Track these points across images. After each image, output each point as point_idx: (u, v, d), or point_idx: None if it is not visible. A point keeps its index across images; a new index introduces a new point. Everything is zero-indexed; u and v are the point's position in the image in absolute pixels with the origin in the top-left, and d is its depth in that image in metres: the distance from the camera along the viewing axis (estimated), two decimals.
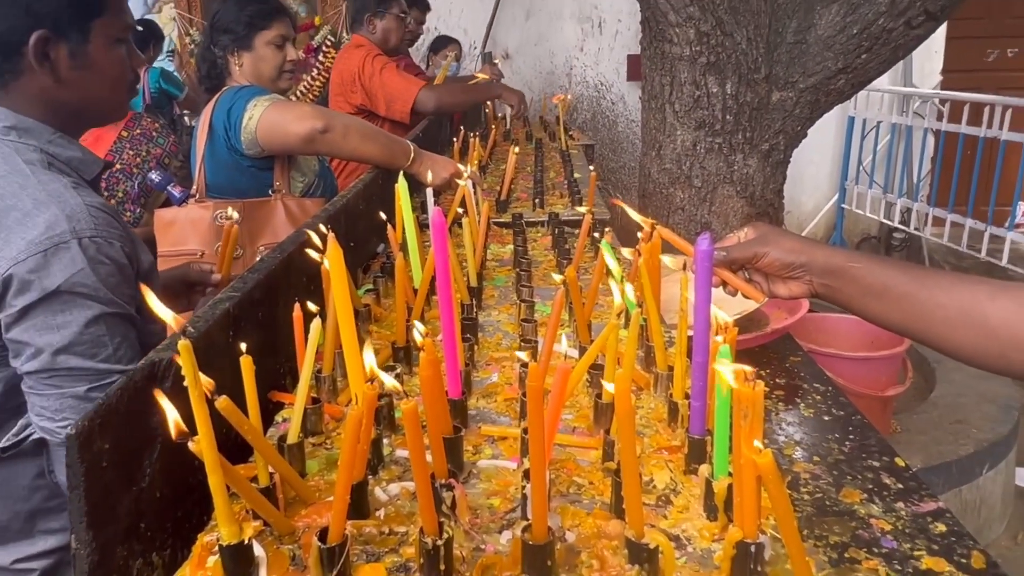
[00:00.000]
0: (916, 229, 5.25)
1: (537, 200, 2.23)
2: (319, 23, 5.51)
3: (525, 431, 0.87)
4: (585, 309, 1.20)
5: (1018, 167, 4.39)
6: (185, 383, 0.65)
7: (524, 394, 0.97)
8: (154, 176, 2.63)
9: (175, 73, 4.59)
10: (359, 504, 0.79)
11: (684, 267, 1.09)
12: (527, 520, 0.72)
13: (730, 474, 0.77)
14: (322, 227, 1.15)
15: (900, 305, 0.95)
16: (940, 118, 4.96)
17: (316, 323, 0.88)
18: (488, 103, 4.01)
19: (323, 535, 0.68)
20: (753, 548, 0.69)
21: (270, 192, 2.18)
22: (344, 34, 5.30)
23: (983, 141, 4.56)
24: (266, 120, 2.06)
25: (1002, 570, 0.87)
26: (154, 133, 3.17)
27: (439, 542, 0.69)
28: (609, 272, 1.09)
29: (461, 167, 2.12)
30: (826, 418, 1.31)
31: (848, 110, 5.40)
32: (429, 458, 0.78)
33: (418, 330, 0.82)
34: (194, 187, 2.24)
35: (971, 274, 0.97)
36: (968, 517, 2.73)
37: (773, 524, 0.76)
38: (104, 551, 0.70)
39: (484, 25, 5.76)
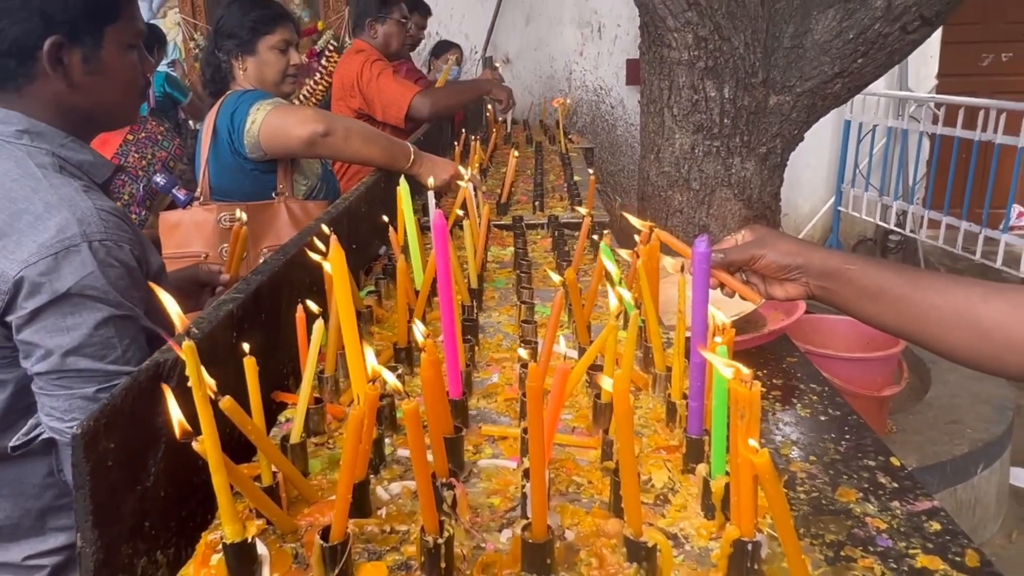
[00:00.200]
0: (912, 232, 5.25)
1: (537, 203, 2.23)
2: (322, 28, 5.52)
3: (525, 431, 0.87)
4: (584, 310, 1.20)
5: (1012, 170, 4.39)
6: (189, 383, 0.65)
7: (524, 394, 0.97)
8: (159, 179, 2.63)
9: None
10: (361, 503, 0.79)
11: (682, 269, 1.09)
12: (527, 519, 0.72)
13: (727, 473, 0.77)
14: (325, 229, 1.16)
15: (895, 307, 0.95)
16: (935, 122, 4.96)
17: (319, 324, 0.88)
18: (489, 108, 4.01)
19: (325, 534, 0.68)
20: (750, 546, 0.69)
21: (273, 195, 2.18)
22: (347, 38, 5.30)
23: (978, 145, 4.56)
24: (268, 124, 2.06)
25: (996, 568, 0.87)
26: (159, 136, 3.18)
27: (440, 540, 0.69)
28: (608, 278, 1.10)
29: (461, 168, 2.13)
30: (822, 418, 1.31)
31: (844, 114, 5.40)
32: (430, 457, 0.78)
33: (419, 331, 0.82)
34: (198, 190, 2.24)
35: (966, 276, 0.97)
36: (963, 516, 2.73)
37: (770, 523, 0.76)
38: (109, 549, 0.70)
39: (485, 30, 5.77)
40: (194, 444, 0.66)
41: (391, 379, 0.73)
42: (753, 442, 0.63)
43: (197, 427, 0.65)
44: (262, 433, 0.77)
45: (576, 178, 2.58)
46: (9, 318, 1.09)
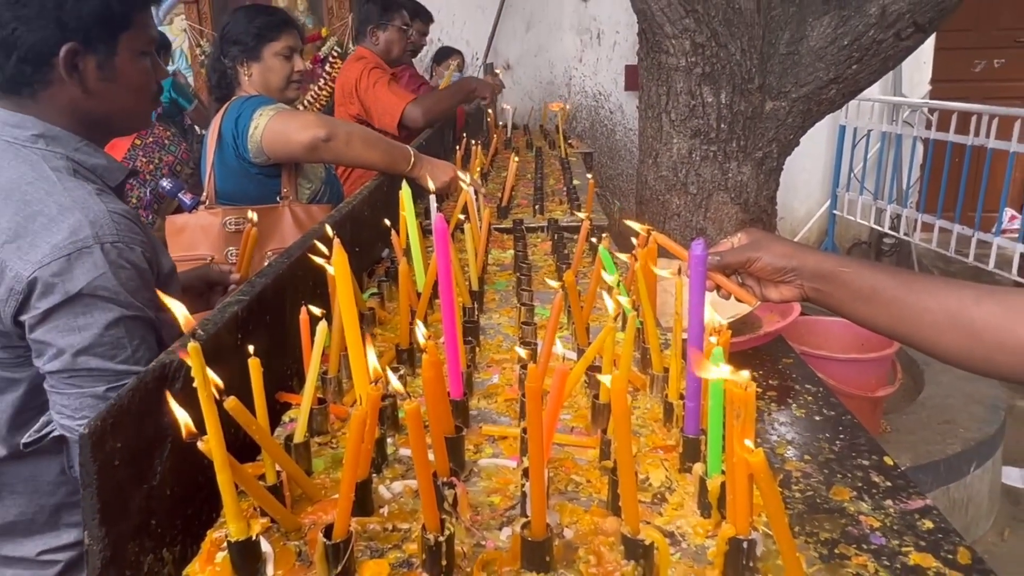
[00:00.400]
0: (906, 235, 5.25)
1: (537, 206, 2.23)
2: (326, 34, 5.52)
3: (525, 431, 0.87)
4: (583, 312, 1.20)
5: (1004, 174, 4.39)
6: (195, 384, 0.65)
7: (524, 395, 0.97)
8: (165, 183, 2.64)
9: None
10: (363, 501, 0.79)
11: (679, 272, 1.09)
12: (526, 517, 0.72)
13: (723, 472, 0.77)
14: (328, 232, 1.16)
15: (888, 309, 0.95)
16: (929, 127, 4.96)
17: (322, 326, 0.89)
18: (490, 112, 4.02)
19: (328, 531, 0.68)
20: (745, 544, 0.69)
21: (278, 199, 2.19)
22: (350, 45, 5.30)
23: (970, 149, 4.56)
24: (271, 129, 2.07)
25: (987, 565, 0.87)
26: (166, 141, 3.18)
27: (441, 538, 0.69)
28: (606, 287, 1.10)
29: (460, 172, 2.13)
30: (817, 418, 1.31)
31: (839, 119, 5.40)
32: (431, 457, 0.78)
33: (421, 332, 0.83)
34: (204, 194, 2.25)
35: (958, 278, 0.96)
36: (956, 514, 2.73)
37: (765, 521, 0.76)
38: (116, 547, 0.70)
39: (486, 36, 5.77)
40: (199, 444, 0.66)
41: (394, 381, 0.74)
42: (748, 442, 0.64)
43: (203, 427, 0.65)
44: (266, 433, 0.77)
45: (575, 182, 2.59)
46: (23, 317, 1.10)
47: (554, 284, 1.09)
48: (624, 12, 5.43)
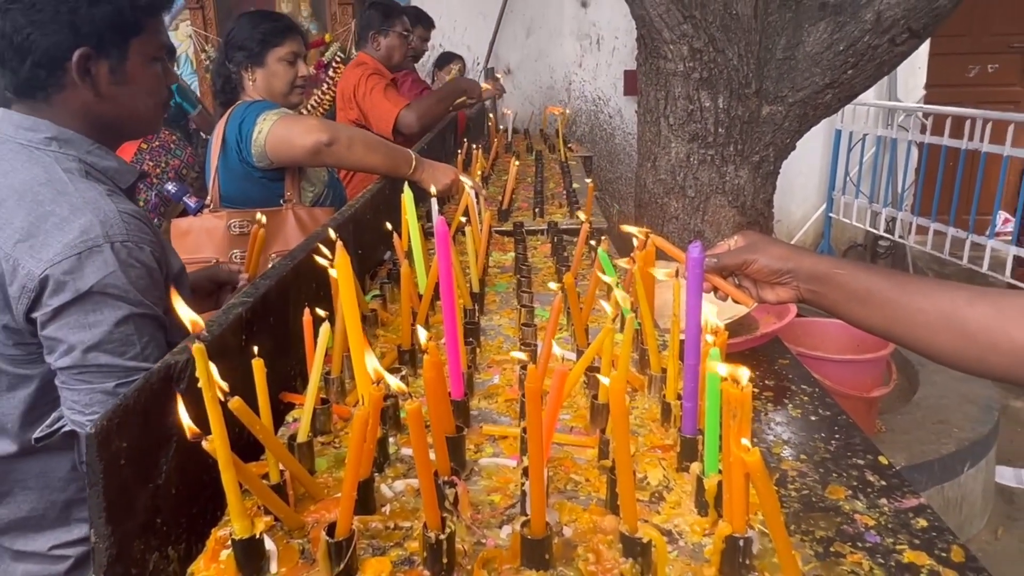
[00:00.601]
0: (901, 237, 5.25)
1: (537, 209, 2.24)
2: (329, 40, 5.52)
3: (524, 430, 0.87)
4: (582, 314, 1.20)
5: (998, 178, 4.39)
6: (200, 384, 0.65)
7: (524, 395, 0.97)
8: (170, 187, 2.63)
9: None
10: (365, 500, 0.79)
11: (676, 274, 1.09)
12: (526, 515, 0.72)
13: (720, 471, 0.77)
14: (331, 235, 1.16)
15: (883, 310, 0.95)
16: (923, 131, 4.96)
17: (325, 327, 0.89)
18: (491, 117, 4.02)
19: (331, 530, 0.68)
20: (742, 542, 0.69)
21: (281, 202, 2.19)
22: (353, 50, 5.31)
23: (964, 153, 4.56)
24: (274, 134, 2.07)
25: (980, 563, 0.87)
26: (172, 145, 3.18)
27: (442, 536, 0.69)
28: (607, 286, 1.10)
29: (462, 175, 2.13)
30: (813, 418, 1.31)
31: (835, 123, 5.40)
32: (432, 456, 0.78)
33: (422, 334, 0.83)
34: (208, 197, 2.25)
35: (952, 280, 0.96)
36: (950, 513, 2.72)
37: (761, 519, 0.76)
38: (122, 545, 0.70)
39: (487, 42, 5.77)
40: (204, 443, 0.66)
41: (393, 383, 0.74)
42: (745, 441, 0.64)
43: (207, 427, 0.65)
44: (270, 433, 0.77)
45: (575, 185, 2.59)
46: (35, 314, 1.11)
47: (554, 286, 1.09)
48: (623, 18, 5.44)
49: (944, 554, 0.88)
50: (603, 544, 0.74)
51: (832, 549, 0.88)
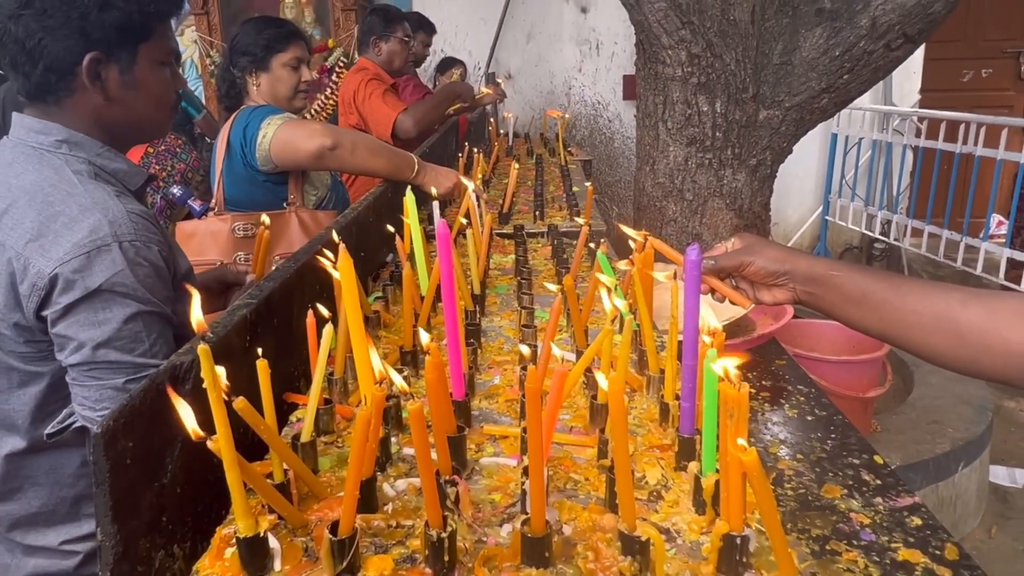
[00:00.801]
0: (896, 240, 5.25)
1: (537, 212, 2.24)
2: (332, 45, 5.53)
3: (525, 430, 0.87)
4: (582, 315, 1.20)
5: (991, 181, 4.39)
6: (204, 385, 0.65)
7: (524, 395, 0.97)
8: (175, 190, 2.64)
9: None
10: (368, 499, 0.79)
11: (675, 276, 1.09)
12: (526, 514, 0.72)
13: (717, 471, 0.77)
14: (334, 238, 1.16)
15: (878, 312, 0.95)
16: (918, 135, 4.96)
17: (328, 328, 0.89)
18: (492, 121, 4.02)
19: (334, 528, 0.68)
20: (739, 540, 0.69)
21: (285, 205, 2.19)
22: (355, 56, 5.31)
23: (959, 157, 4.56)
24: (279, 138, 2.07)
25: (974, 561, 0.87)
26: (178, 149, 3.18)
27: (443, 535, 0.69)
28: (606, 288, 1.10)
29: (463, 178, 2.13)
30: (809, 418, 1.31)
31: (831, 127, 5.40)
32: (434, 456, 0.78)
33: (424, 335, 0.83)
34: (213, 201, 2.25)
35: (946, 282, 0.97)
36: (944, 512, 2.72)
37: (758, 518, 0.76)
38: (128, 543, 0.70)
39: (488, 47, 5.78)
40: (209, 443, 0.66)
41: (398, 380, 0.74)
42: (742, 441, 0.64)
43: (212, 427, 0.65)
44: (274, 432, 0.77)
45: (575, 189, 2.59)
46: (45, 313, 1.12)
47: (553, 288, 1.09)
48: (622, 23, 5.45)
49: (938, 552, 0.88)
50: (602, 542, 0.74)
51: (828, 547, 0.89)
